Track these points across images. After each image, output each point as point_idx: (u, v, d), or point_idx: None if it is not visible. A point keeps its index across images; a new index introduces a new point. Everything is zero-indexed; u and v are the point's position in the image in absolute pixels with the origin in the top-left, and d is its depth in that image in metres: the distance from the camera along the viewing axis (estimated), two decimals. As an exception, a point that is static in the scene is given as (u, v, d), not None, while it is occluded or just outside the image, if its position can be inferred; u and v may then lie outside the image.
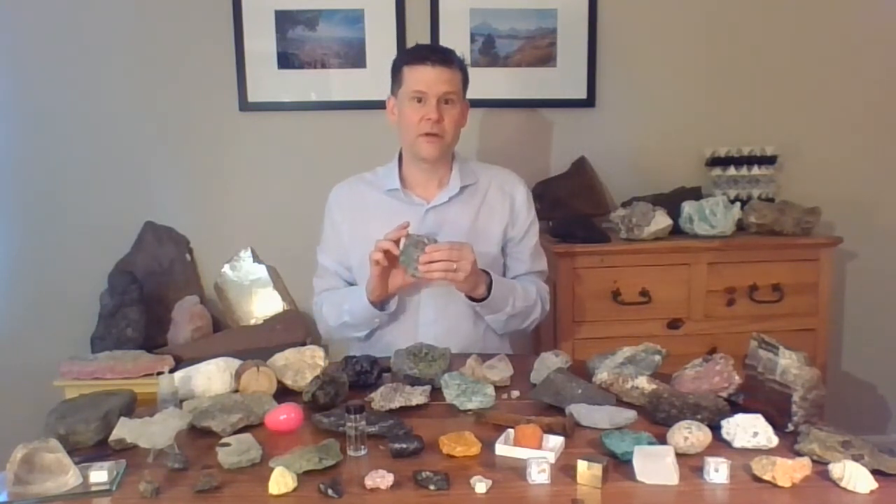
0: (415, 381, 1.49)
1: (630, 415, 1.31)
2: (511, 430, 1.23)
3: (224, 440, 1.23)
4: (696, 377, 1.42)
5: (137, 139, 2.63)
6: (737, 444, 1.21)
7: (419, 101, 1.79)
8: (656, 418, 1.31)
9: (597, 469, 1.09)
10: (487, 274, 1.77)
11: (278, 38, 2.61)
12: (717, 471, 1.10)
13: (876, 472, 1.09)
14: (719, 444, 1.21)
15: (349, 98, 2.65)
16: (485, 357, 1.61)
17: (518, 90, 2.69)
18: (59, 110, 2.60)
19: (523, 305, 1.84)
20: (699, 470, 1.12)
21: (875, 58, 2.76)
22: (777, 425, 1.24)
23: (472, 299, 1.78)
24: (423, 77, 1.78)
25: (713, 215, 2.40)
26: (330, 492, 1.08)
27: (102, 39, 2.58)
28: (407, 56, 1.86)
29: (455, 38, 2.64)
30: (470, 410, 1.39)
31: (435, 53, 1.81)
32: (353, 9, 2.61)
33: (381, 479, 1.10)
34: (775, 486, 1.08)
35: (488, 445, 1.21)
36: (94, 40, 2.58)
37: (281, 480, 1.09)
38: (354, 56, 2.63)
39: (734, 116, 2.75)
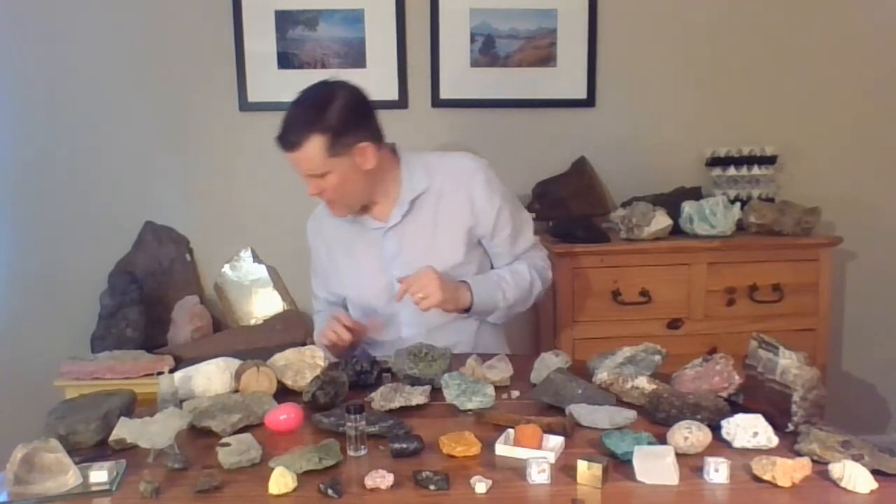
0: (415, 381, 1.49)
1: (630, 415, 1.31)
2: (511, 430, 1.23)
3: (224, 440, 1.23)
4: (696, 377, 1.42)
5: (137, 139, 2.63)
6: (737, 444, 1.21)
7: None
8: (656, 418, 1.31)
9: (597, 469, 1.09)
10: (466, 284, 1.74)
11: (278, 38, 2.61)
12: (717, 471, 1.10)
13: (876, 472, 1.09)
14: (719, 444, 1.21)
15: (349, 98, 2.65)
16: (485, 357, 1.61)
17: (518, 90, 2.69)
18: (59, 111, 2.60)
19: (517, 293, 1.80)
20: (699, 470, 1.12)
21: (875, 58, 2.76)
22: (777, 425, 1.24)
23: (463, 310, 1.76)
24: (288, 160, 1.68)
25: (713, 215, 2.40)
26: (330, 492, 1.08)
27: (103, 40, 2.58)
28: None
29: (455, 38, 2.64)
30: (470, 410, 1.39)
31: (283, 139, 1.65)
32: (353, 9, 2.61)
33: (381, 479, 1.10)
34: (775, 486, 1.08)
35: (488, 445, 1.21)
36: (95, 41, 2.58)
37: (281, 480, 1.09)
38: (354, 56, 2.63)
39: (734, 116, 2.75)
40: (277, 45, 2.61)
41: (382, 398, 1.40)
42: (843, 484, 1.08)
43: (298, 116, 1.66)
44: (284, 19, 2.61)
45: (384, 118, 2.70)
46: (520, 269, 1.84)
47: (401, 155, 1.82)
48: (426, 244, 1.76)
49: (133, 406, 1.42)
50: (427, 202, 1.79)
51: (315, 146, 1.63)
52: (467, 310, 1.76)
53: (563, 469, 1.14)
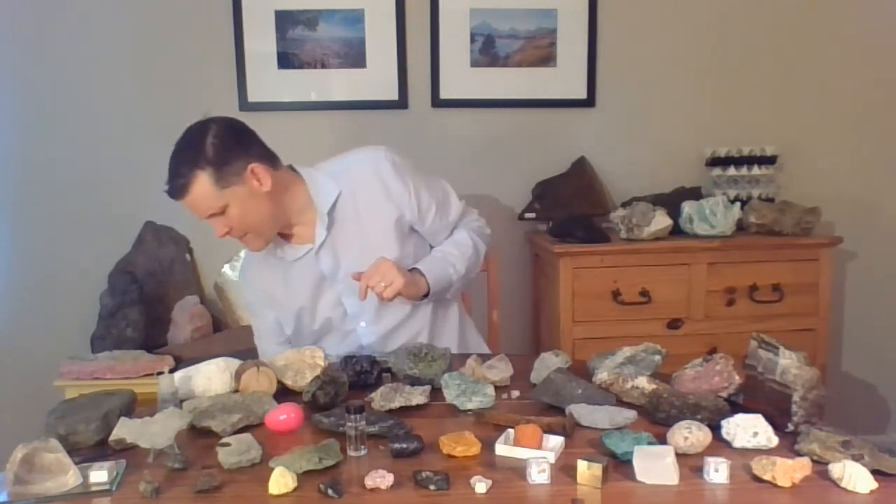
0: (415, 381, 1.49)
1: (630, 415, 1.31)
2: (511, 430, 1.23)
3: (224, 440, 1.23)
4: (696, 377, 1.42)
5: (137, 139, 2.63)
6: (737, 444, 1.21)
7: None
8: (656, 418, 1.31)
9: (597, 469, 1.09)
10: (417, 270, 1.72)
11: (278, 38, 2.61)
12: (717, 471, 1.10)
13: (876, 472, 1.09)
14: (719, 444, 1.21)
15: (349, 98, 2.66)
16: (485, 357, 1.61)
17: (518, 90, 2.69)
18: (59, 110, 2.60)
19: (465, 262, 1.79)
20: (699, 470, 1.12)
21: (875, 58, 2.76)
22: (777, 425, 1.24)
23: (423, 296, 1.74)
24: (188, 209, 1.65)
25: (713, 215, 2.40)
26: (330, 492, 1.08)
27: (103, 39, 2.58)
28: None
29: (455, 38, 2.65)
30: (470, 410, 1.39)
31: (171, 190, 1.62)
32: (353, 9, 2.62)
33: (381, 479, 1.10)
34: (775, 486, 1.08)
35: (488, 445, 1.21)
36: (95, 40, 2.58)
37: (281, 480, 1.09)
38: (354, 56, 2.63)
39: (734, 116, 2.75)
40: (277, 45, 2.62)
41: (382, 398, 1.40)
42: (843, 484, 1.08)
43: (178, 162, 1.62)
44: (284, 19, 2.61)
45: (384, 118, 2.72)
46: (460, 238, 1.83)
47: (302, 172, 1.76)
48: (360, 248, 1.72)
49: (133, 406, 1.42)
50: (346, 208, 1.74)
51: (202, 184, 1.59)
52: (426, 295, 1.74)
53: (563, 469, 1.14)
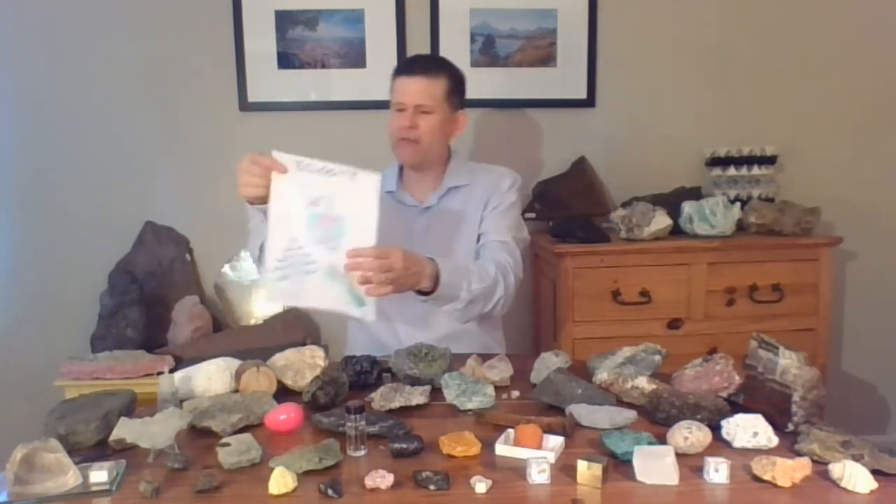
0: (415, 381, 1.49)
1: (630, 415, 1.31)
2: (511, 430, 1.23)
3: (224, 440, 1.23)
4: (696, 377, 1.42)
5: (137, 139, 2.63)
6: (737, 444, 1.21)
7: (400, 110, 1.86)
8: (656, 418, 1.31)
9: (597, 469, 1.09)
10: (433, 262, 1.62)
11: (278, 38, 2.61)
12: (717, 471, 1.10)
13: (876, 472, 1.09)
14: (719, 444, 1.21)
15: (349, 98, 2.65)
16: (485, 357, 1.61)
17: (518, 90, 2.69)
18: (59, 110, 2.60)
19: (481, 287, 1.70)
20: (699, 470, 1.12)
21: (875, 58, 2.76)
22: (777, 425, 1.24)
23: (422, 293, 1.64)
24: (402, 87, 1.85)
25: (713, 215, 2.40)
26: (330, 492, 1.08)
27: (102, 39, 2.58)
28: (398, 66, 1.94)
29: (455, 38, 2.64)
30: (470, 410, 1.39)
31: (418, 63, 1.86)
32: (353, 9, 2.61)
33: (381, 479, 1.10)
34: (775, 486, 1.08)
35: (488, 445, 1.21)
36: (95, 40, 2.58)
37: (281, 480, 1.09)
38: (354, 56, 2.63)
39: (734, 116, 2.75)
40: (277, 45, 2.61)
41: (382, 398, 1.40)
42: (843, 484, 1.08)
43: (434, 58, 1.92)
44: (284, 19, 2.61)
45: (384, 118, 2.70)
46: (487, 267, 1.76)
47: (453, 153, 1.98)
48: (453, 229, 1.86)
49: (133, 406, 1.42)
50: (462, 195, 1.91)
51: (442, 82, 1.84)
52: (424, 291, 1.63)
53: (563, 469, 1.14)
